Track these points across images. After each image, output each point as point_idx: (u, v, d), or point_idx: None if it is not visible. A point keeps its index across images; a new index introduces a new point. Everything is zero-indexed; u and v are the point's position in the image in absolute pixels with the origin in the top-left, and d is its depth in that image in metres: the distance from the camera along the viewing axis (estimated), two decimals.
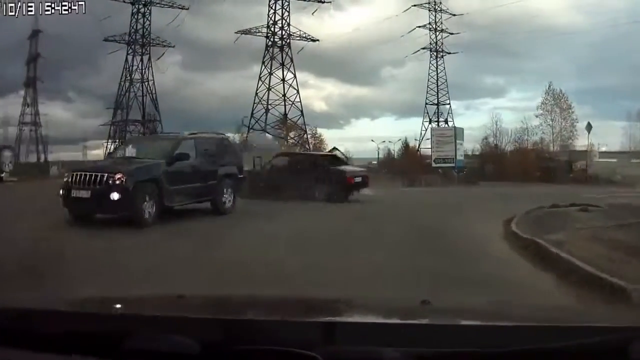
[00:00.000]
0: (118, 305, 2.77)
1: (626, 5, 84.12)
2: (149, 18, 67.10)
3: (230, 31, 67.31)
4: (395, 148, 68.75)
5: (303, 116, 67.10)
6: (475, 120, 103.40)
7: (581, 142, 61.01)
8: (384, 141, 69.14)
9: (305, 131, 66.96)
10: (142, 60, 67.92)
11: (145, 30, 67.27)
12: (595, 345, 1.99)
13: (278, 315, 2.63)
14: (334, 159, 28.09)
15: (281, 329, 2.19)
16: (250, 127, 66.53)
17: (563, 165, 58.65)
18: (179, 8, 65.17)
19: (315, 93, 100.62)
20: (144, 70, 67.89)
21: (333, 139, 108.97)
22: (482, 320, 2.53)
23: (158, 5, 66.35)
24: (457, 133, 58.17)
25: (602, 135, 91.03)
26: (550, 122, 62.57)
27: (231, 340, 2.06)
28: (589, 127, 56.00)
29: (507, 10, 77.03)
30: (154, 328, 2.19)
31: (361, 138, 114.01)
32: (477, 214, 19.15)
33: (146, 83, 67.92)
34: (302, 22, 69.71)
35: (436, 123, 68.94)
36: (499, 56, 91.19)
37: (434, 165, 57.38)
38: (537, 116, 62.72)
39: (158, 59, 67.43)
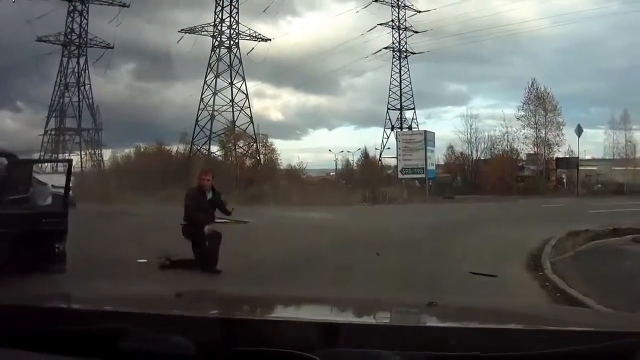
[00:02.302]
0: (114, 303, 2.79)
1: (596, 11, 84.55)
2: (86, 17, 62.30)
3: (184, 40, 62.20)
4: (355, 159, 65.31)
5: (252, 123, 62.08)
6: (437, 129, 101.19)
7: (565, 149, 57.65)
8: (342, 151, 65.11)
9: (256, 140, 61.78)
10: (78, 62, 62.98)
11: (82, 29, 62.42)
12: (602, 351, 1.98)
13: (277, 314, 2.70)
14: None
15: (280, 329, 2.17)
16: (195, 135, 61.86)
17: (539, 175, 56.47)
18: (119, 5, 60.57)
19: (272, 103, 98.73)
20: (80, 73, 62.97)
21: (290, 150, 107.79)
22: (488, 323, 2.53)
23: (97, 3, 61.74)
24: (427, 138, 53.56)
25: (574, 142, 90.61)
26: (535, 125, 58.06)
27: (228, 340, 2.06)
28: (579, 131, 51.97)
29: (473, 15, 74.33)
30: (151, 327, 2.16)
31: (319, 149, 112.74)
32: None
33: (83, 88, 62.96)
34: (258, 28, 65.59)
35: (399, 130, 64.33)
36: (463, 62, 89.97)
37: (400, 175, 53.18)
38: (518, 118, 58.14)
39: (97, 61, 62.24)
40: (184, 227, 11.54)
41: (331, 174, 63.19)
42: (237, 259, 12.06)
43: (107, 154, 63.66)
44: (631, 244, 12.54)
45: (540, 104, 56.62)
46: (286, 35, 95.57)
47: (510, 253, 13.17)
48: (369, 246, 13.90)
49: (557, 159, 56.50)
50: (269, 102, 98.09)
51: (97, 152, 63.12)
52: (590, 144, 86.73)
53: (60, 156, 56.92)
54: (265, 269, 11.65)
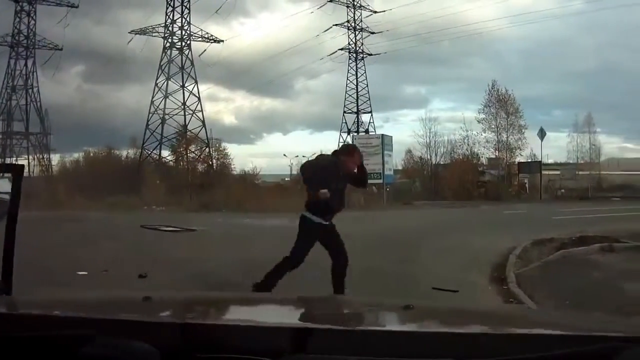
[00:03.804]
0: (74, 308, 2.75)
1: (558, 11, 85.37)
2: (34, 17, 61.74)
3: (135, 41, 62.30)
4: None
5: (205, 127, 61.51)
6: (395, 133, 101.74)
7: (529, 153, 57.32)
8: (297, 156, 63.90)
9: (208, 145, 61.19)
10: (26, 64, 62.39)
11: (30, 30, 61.87)
12: (582, 354, 1.98)
13: (244, 319, 2.62)
14: None
15: (247, 334, 2.15)
16: (145, 139, 61.16)
17: (499, 180, 55.95)
18: (67, 6, 60.19)
19: (225, 106, 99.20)
20: (28, 76, 62.42)
21: (243, 154, 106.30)
22: (466, 328, 2.50)
23: (45, 3, 61.30)
24: (385, 142, 52.61)
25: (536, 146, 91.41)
26: (496, 129, 57.92)
27: (192, 346, 2.05)
28: (541, 134, 51.95)
29: (431, 15, 74.75)
30: (113, 333, 2.12)
31: (273, 154, 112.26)
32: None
33: (31, 90, 62.41)
34: (210, 29, 65.10)
35: (355, 134, 64.01)
36: (421, 64, 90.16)
37: None
38: (479, 121, 57.91)
39: (45, 62, 61.97)
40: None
41: (286, 179, 61.75)
42: (179, 270, 11.66)
43: (55, 158, 63.48)
44: (599, 253, 12.34)
45: (501, 107, 56.30)
46: (239, 36, 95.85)
47: (473, 264, 12.74)
48: (323, 254, 13.51)
49: (519, 163, 56.37)
50: (222, 106, 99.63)
51: (45, 157, 62.72)
52: (553, 147, 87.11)
53: (8, 160, 56.38)
54: (209, 280, 11.22)
